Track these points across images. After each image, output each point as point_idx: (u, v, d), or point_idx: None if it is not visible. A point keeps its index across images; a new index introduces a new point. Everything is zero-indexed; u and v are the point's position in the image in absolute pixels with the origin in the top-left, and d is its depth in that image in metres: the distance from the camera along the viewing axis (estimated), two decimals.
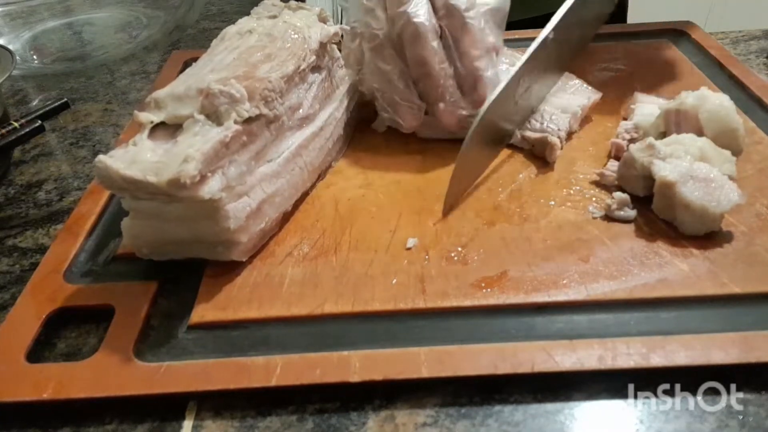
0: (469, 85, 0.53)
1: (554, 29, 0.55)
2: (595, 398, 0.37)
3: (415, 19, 0.50)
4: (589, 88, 0.61)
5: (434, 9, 0.52)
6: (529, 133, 0.56)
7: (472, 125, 0.50)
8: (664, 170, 0.46)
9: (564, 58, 0.61)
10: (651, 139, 0.48)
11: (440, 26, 0.52)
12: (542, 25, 0.56)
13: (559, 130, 0.55)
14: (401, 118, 0.55)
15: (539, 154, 0.55)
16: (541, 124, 0.56)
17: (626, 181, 0.50)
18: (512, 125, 0.56)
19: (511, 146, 0.57)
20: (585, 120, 0.60)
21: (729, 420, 0.36)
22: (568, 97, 0.59)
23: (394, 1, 0.51)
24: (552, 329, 0.40)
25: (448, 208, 0.50)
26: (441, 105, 0.53)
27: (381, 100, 0.56)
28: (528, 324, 0.40)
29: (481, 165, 0.54)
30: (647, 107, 0.57)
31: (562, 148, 0.55)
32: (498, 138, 0.55)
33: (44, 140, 0.68)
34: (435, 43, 0.51)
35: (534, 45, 0.54)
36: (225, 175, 0.42)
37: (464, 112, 0.54)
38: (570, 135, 0.57)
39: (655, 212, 0.48)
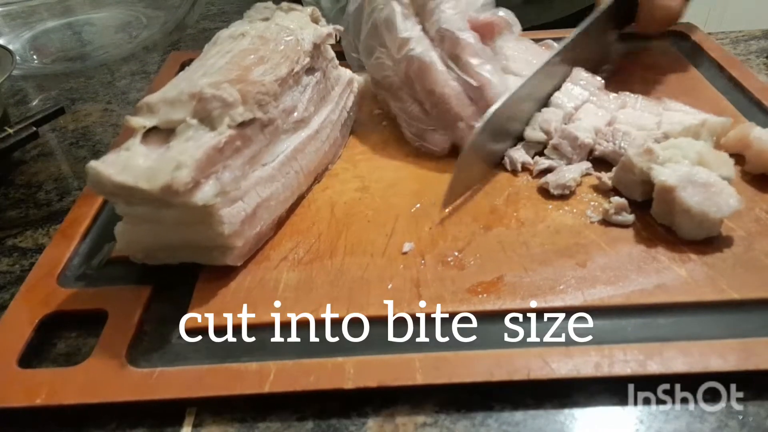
0: (477, 94, 0.54)
1: (563, 50, 0.57)
2: (594, 398, 0.37)
3: (418, 55, 0.54)
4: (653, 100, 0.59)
5: (430, 39, 0.55)
6: (602, 147, 0.54)
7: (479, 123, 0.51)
8: (663, 175, 0.45)
9: (567, 69, 0.62)
10: (650, 144, 0.48)
11: (439, 51, 0.54)
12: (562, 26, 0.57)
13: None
14: (432, 144, 0.57)
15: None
16: (614, 142, 0.54)
17: (623, 186, 0.49)
18: (517, 127, 0.57)
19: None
20: None
21: (729, 420, 0.35)
22: (638, 114, 0.57)
23: (396, 47, 0.55)
24: (548, 335, 0.39)
25: (447, 206, 0.50)
26: (460, 124, 0.54)
27: (409, 134, 0.58)
28: (524, 330, 0.40)
29: (480, 169, 0.54)
30: (675, 115, 0.56)
31: None
32: (500, 140, 0.55)
33: (44, 140, 0.68)
34: (440, 68, 0.54)
35: (542, 62, 0.55)
36: (219, 180, 0.41)
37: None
38: None
39: (653, 217, 0.47)
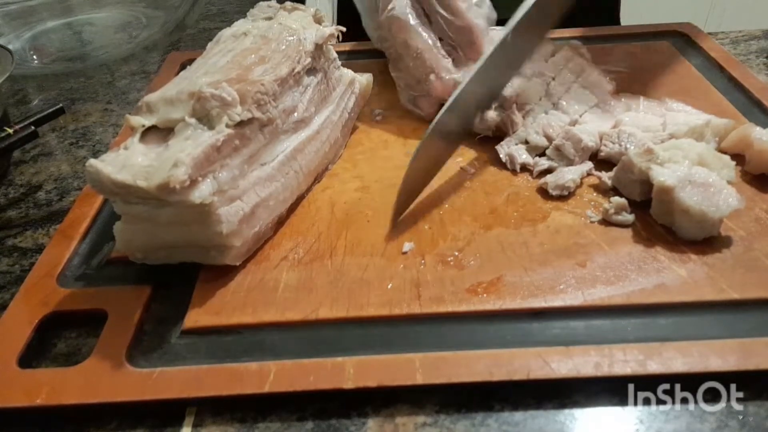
0: (466, 38, 0.57)
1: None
2: (594, 398, 0.37)
3: (396, 14, 0.57)
4: (654, 101, 0.59)
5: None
6: (607, 149, 0.54)
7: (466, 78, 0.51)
8: (662, 175, 0.45)
9: (544, 24, 0.60)
10: (650, 144, 0.48)
11: (423, 8, 0.58)
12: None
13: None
14: (420, 108, 0.60)
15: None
16: (620, 144, 0.53)
17: (623, 186, 0.49)
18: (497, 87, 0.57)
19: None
20: None
21: (729, 420, 0.35)
22: (642, 116, 0.57)
23: (380, 10, 0.58)
24: (548, 335, 0.40)
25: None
26: (432, 76, 0.57)
27: (404, 100, 0.62)
28: (524, 330, 0.40)
29: (451, 145, 0.54)
30: (679, 116, 0.55)
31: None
32: (477, 105, 0.56)
33: (44, 140, 0.68)
34: (415, 23, 0.57)
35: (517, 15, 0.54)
36: (216, 179, 0.41)
37: (455, 77, 0.57)
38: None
39: (653, 217, 0.47)
